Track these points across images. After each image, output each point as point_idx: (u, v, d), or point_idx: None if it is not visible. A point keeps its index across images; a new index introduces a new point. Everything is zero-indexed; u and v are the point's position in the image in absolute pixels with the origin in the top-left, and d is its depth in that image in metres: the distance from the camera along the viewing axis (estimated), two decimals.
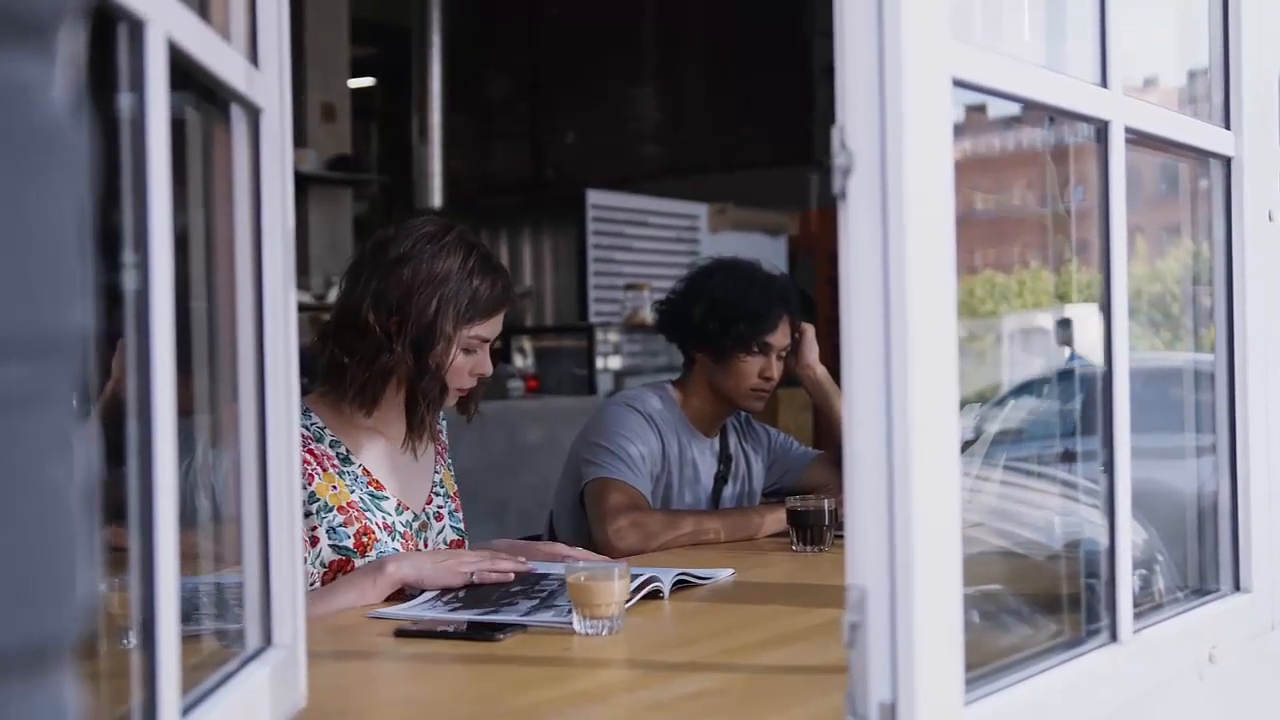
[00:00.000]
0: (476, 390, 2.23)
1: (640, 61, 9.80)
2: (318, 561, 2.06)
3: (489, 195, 9.91)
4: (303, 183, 7.06)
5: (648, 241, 7.98)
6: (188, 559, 1.29)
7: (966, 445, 2.15)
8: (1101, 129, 1.42)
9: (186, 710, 1.01)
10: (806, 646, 1.71)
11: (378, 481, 2.16)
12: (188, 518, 1.30)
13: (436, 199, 8.69)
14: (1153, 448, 1.75)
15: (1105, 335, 1.43)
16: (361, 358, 2.11)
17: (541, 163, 10.17)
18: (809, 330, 2.90)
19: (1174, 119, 1.66)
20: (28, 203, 0.50)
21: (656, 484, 2.76)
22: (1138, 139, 1.50)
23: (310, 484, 2.07)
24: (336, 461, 2.13)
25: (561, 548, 2.30)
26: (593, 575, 1.74)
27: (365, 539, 2.10)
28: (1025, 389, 2.22)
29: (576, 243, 7.88)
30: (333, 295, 6.35)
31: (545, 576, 2.05)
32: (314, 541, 2.06)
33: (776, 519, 2.62)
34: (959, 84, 1.16)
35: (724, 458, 2.91)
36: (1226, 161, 1.71)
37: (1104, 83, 1.42)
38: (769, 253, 7.14)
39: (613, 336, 7.15)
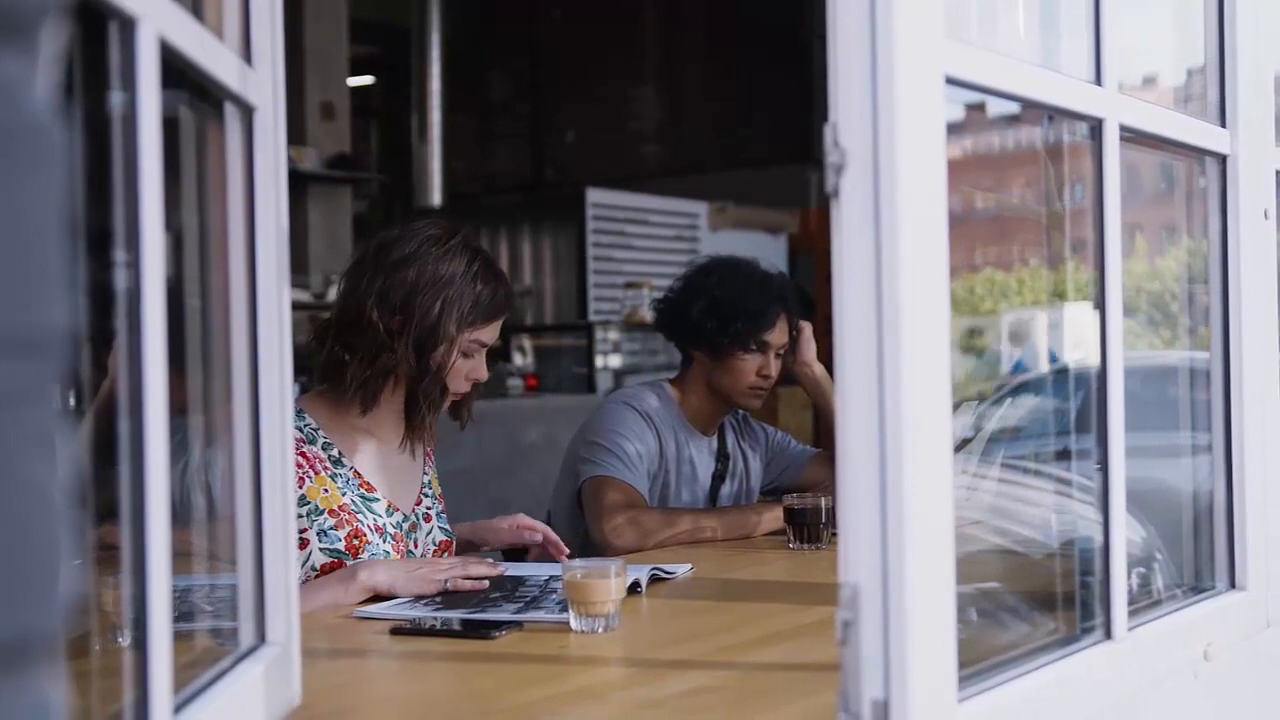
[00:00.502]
0: (469, 396, 2.24)
1: (640, 60, 9.80)
2: (308, 565, 2.06)
3: (489, 194, 9.92)
4: (302, 181, 7.06)
5: (648, 240, 7.99)
6: (185, 558, 1.29)
7: (964, 443, 2.16)
8: (1096, 127, 1.42)
9: (179, 707, 1.01)
10: (802, 644, 1.71)
11: (368, 483, 2.17)
12: (185, 517, 1.31)
13: (436, 198, 8.70)
14: (1151, 446, 1.75)
15: (1100, 333, 1.43)
16: (363, 356, 2.11)
17: (541, 161, 10.18)
18: (807, 328, 2.90)
19: (1169, 117, 1.66)
20: (8, 201, 0.51)
21: (654, 482, 2.76)
22: (1133, 137, 1.51)
23: (301, 487, 2.07)
24: (328, 464, 2.13)
25: (522, 518, 2.32)
26: (589, 572, 1.74)
27: (357, 541, 2.10)
28: (1023, 387, 2.22)
29: (576, 241, 7.89)
30: (332, 294, 6.35)
31: (523, 581, 2.06)
32: (303, 544, 2.06)
33: (774, 517, 2.62)
34: (952, 82, 1.16)
35: (722, 456, 2.91)
36: (1222, 159, 1.71)
37: (1098, 80, 1.42)
38: (769, 251, 7.16)
39: (612, 335, 7.16)
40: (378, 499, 2.17)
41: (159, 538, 0.92)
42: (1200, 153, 1.71)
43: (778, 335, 2.79)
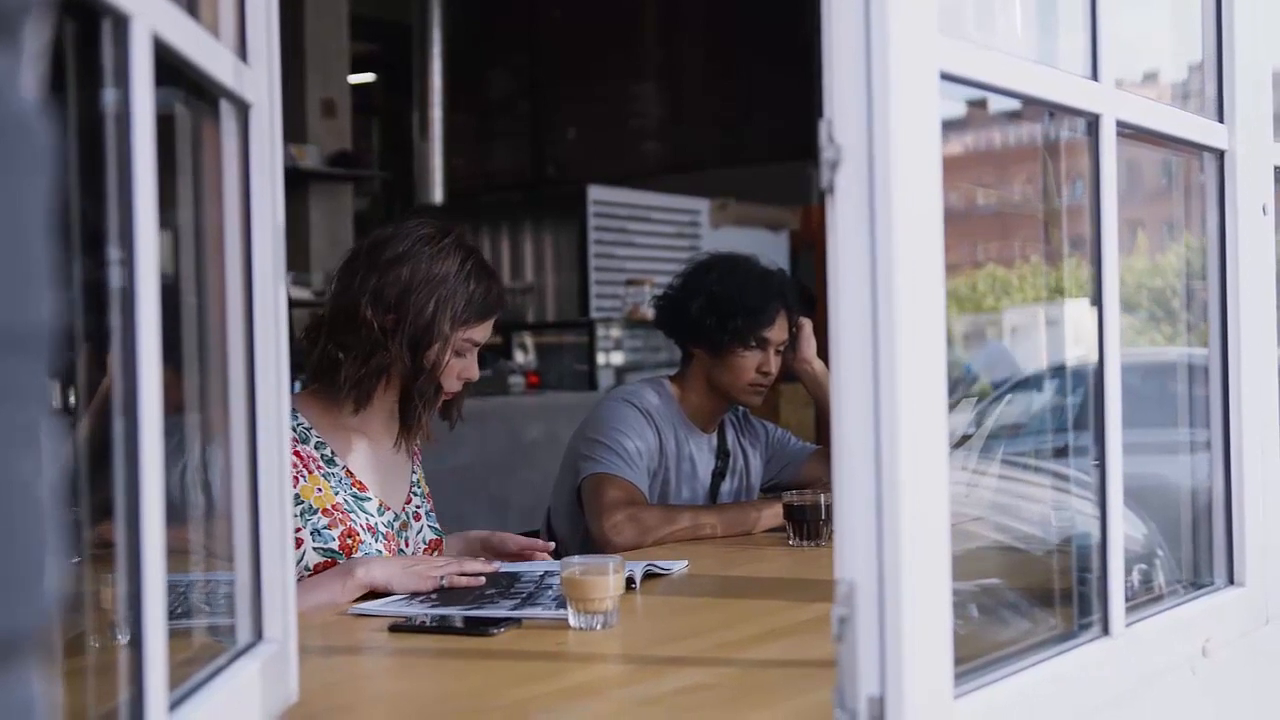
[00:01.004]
0: (460, 395, 2.24)
1: (641, 57, 9.79)
2: (302, 564, 2.06)
3: (490, 191, 9.91)
4: (304, 178, 7.05)
5: (649, 237, 7.98)
6: (185, 556, 1.29)
7: (964, 439, 2.16)
8: (1092, 122, 1.42)
9: (175, 704, 1.01)
10: (801, 641, 1.71)
11: (360, 482, 2.17)
12: (185, 515, 1.31)
13: (437, 195, 8.69)
14: (1151, 442, 1.75)
15: (1097, 329, 1.43)
16: (357, 354, 2.11)
17: (542, 159, 10.17)
18: (807, 325, 2.90)
19: (1166, 112, 1.66)
20: None
21: (654, 479, 2.76)
22: (1131, 133, 1.50)
23: (295, 487, 2.07)
24: (321, 463, 2.14)
25: (529, 542, 2.30)
26: (587, 569, 1.74)
27: (351, 541, 2.10)
28: (1023, 383, 2.21)
29: (577, 239, 7.88)
30: None
31: (518, 577, 2.06)
32: (298, 544, 2.06)
33: (773, 514, 2.62)
34: (947, 78, 1.16)
35: (722, 453, 2.91)
36: (1220, 155, 1.71)
37: (1095, 76, 1.42)
38: (771, 248, 7.15)
39: (614, 332, 7.15)
40: (370, 498, 2.17)
41: (154, 535, 0.92)
42: (1198, 148, 1.71)
43: (777, 332, 2.79)
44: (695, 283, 2.83)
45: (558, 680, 1.55)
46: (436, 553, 2.28)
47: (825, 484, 2.71)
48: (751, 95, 9.21)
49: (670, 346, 2.97)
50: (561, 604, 1.78)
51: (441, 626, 1.78)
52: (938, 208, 1.13)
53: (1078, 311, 1.82)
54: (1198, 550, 1.77)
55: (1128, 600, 1.46)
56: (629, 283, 7.46)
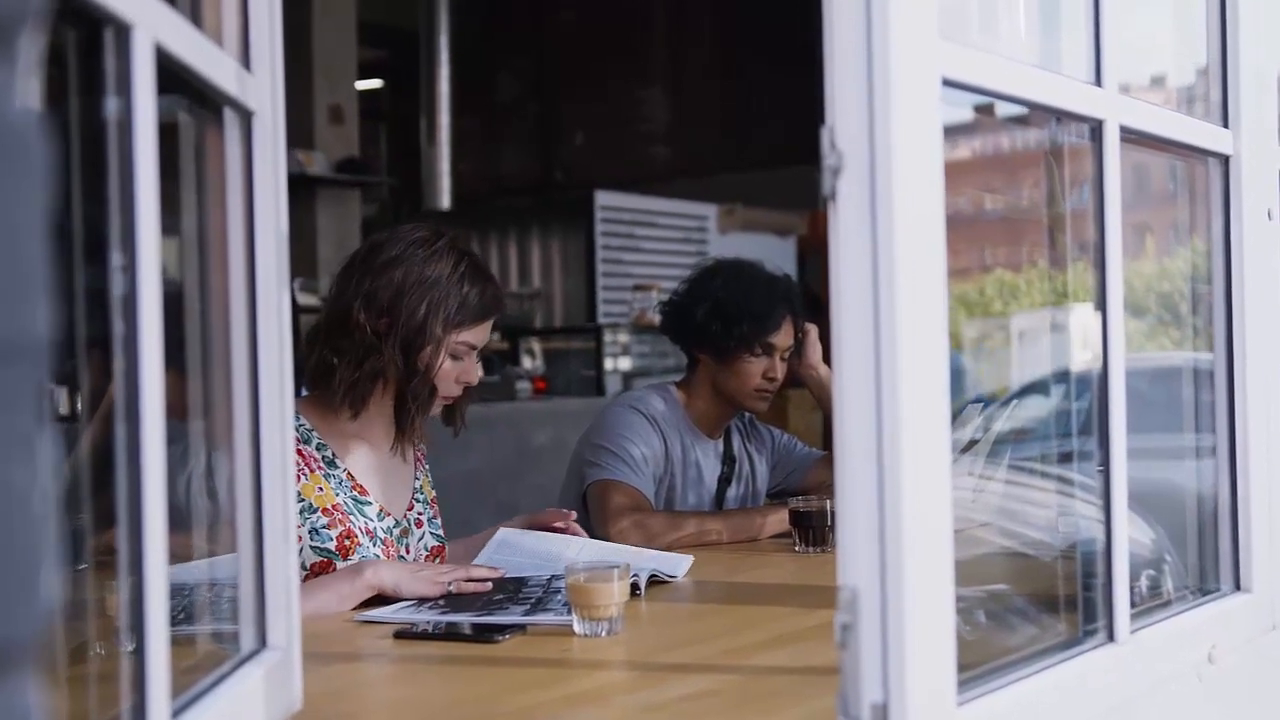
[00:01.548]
0: (462, 400, 2.24)
1: (648, 62, 9.79)
2: (298, 562, 2.06)
3: (497, 197, 9.91)
4: (311, 185, 7.06)
5: (656, 242, 7.98)
6: (189, 563, 1.30)
7: (971, 445, 2.15)
8: (1096, 128, 1.42)
9: (178, 712, 1.01)
10: (806, 647, 1.71)
11: (362, 486, 2.17)
12: (191, 523, 1.31)
13: (445, 201, 8.70)
14: (1158, 447, 1.74)
15: (1102, 334, 1.43)
16: (351, 358, 2.12)
17: (550, 164, 10.17)
18: (813, 330, 2.89)
19: (1171, 118, 1.66)
20: None
21: (660, 485, 2.76)
22: (1134, 138, 1.50)
23: (295, 484, 2.07)
24: (322, 464, 2.14)
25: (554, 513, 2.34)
26: (592, 576, 1.74)
27: (348, 542, 2.11)
28: (1031, 389, 2.21)
29: (585, 244, 7.88)
30: None
31: (526, 583, 2.06)
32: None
33: (779, 520, 2.62)
34: (949, 84, 1.16)
35: (728, 459, 2.91)
36: (1225, 160, 1.71)
37: (1098, 81, 1.42)
38: (778, 253, 7.13)
39: (621, 338, 7.15)
40: (370, 502, 2.18)
41: (156, 541, 0.92)
42: (1203, 153, 1.70)
43: (783, 338, 2.79)
44: (701, 288, 2.83)
45: (563, 687, 1.55)
46: (439, 559, 2.28)
47: (831, 489, 2.69)
48: (759, 100, 9.20)
49: (678, 352, 2.96)
50: (570, 609, 1.78)
51: (446, 633, 1.78)
52: (939, 213, 1.13)
53: (1084, 316, 1.81)
54: (1204, 556, 1.76)
55: (1135, 606, 1.45)
56: (636, 288, 7.46)
